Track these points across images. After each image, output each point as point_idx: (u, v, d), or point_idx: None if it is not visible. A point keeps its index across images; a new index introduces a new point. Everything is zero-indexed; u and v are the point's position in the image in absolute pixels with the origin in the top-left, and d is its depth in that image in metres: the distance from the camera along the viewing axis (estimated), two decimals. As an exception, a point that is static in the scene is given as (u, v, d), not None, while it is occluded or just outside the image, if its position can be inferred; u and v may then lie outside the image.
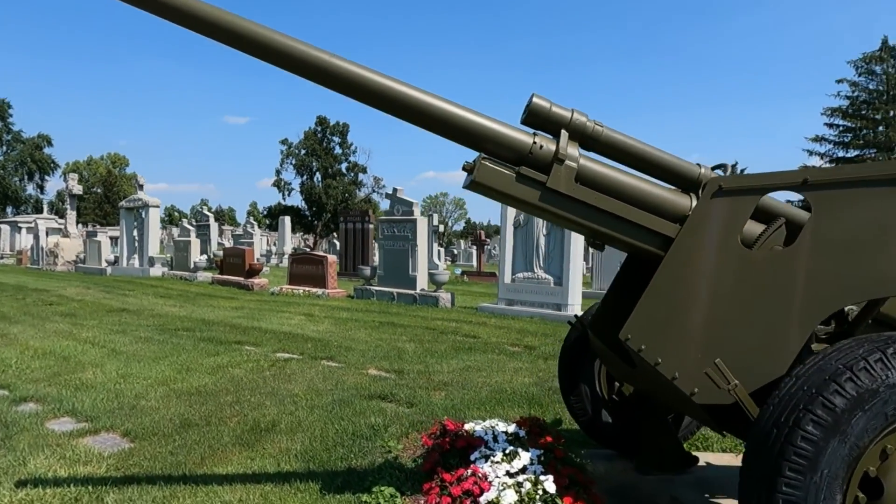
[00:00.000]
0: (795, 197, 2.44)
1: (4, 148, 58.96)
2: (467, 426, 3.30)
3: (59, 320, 9.22)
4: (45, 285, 15.50)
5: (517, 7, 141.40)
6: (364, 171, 57.72)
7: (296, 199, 56.96)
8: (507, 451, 2.82)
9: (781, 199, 2.53)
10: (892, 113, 38.71)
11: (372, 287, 13.14)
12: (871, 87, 39.64)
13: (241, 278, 15.65)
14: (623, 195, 2.33)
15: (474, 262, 34.70)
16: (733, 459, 3.48)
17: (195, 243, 20.08)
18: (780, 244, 2.26)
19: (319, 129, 56.75)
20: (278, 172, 56.32)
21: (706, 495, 2.99)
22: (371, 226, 21.01)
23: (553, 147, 2.26)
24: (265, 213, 62.39)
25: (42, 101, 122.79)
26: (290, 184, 56.40)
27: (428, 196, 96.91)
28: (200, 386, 5.17)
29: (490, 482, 2.60)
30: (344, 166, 57.18)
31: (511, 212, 10.91)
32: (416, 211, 12.74)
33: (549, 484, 2.53)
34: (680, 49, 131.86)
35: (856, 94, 40.14)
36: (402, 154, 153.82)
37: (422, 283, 12.50)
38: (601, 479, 2.98)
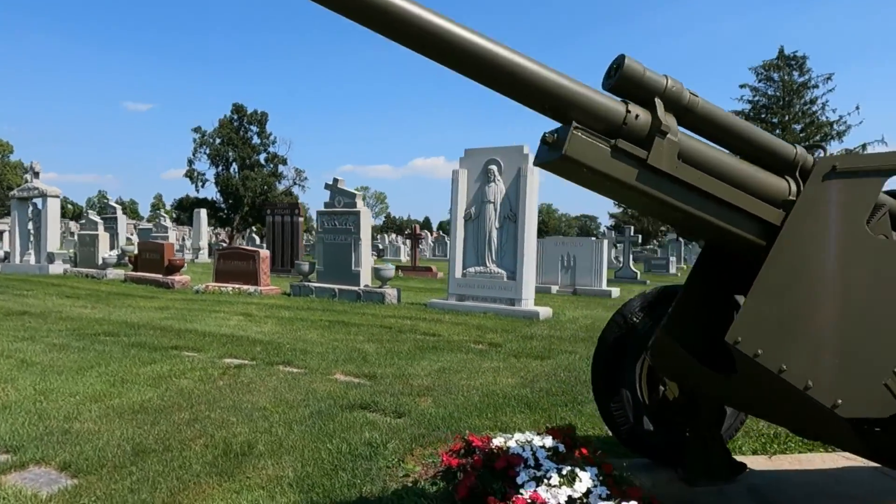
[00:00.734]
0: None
1: None
2: (496, 441, 2.88)
3: (-55, 326, 7.87)
4: (-79, 285, 13.46)
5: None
6: (284, 162, 55.43)
7: (210, 192, 53.86)
8: (564, 472, 2.44)
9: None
10: (787, 118, 41.90)
11: (311, 283, 12.35)
12: (769, 92, 42.72)
13: (160, 275, 14.31)
14: (725, 176, 2.00)
15: (402, 257, 34.25)
16: (768, 462, 3.29)
17: (103, 237, 18.23)
18: (888, 233, 2.03)
19: (236, 117, 53.85)
20: (191, 162, 52.99)
21: (764, 506, 2.75)
22: (301, 219, 20.05)
23: (649, 118, 1.89)
24: (174, 205, 58.57)
25: None
26: (203, 174, 53.24)
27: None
28: (144, 401, 4.42)
29: (556, 512, 2.21)
30: (263, 157, 54.63)
31: (461, 204, 10.54)
32: (360, 203, 12.08)
33: (626, 510, 2.18)
34: (584, 51, 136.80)
35: (756, 98, 43.13)
36: (320, 146, 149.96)
37: (366, 278, 11.89)
38: (657, 495, 2.67)
